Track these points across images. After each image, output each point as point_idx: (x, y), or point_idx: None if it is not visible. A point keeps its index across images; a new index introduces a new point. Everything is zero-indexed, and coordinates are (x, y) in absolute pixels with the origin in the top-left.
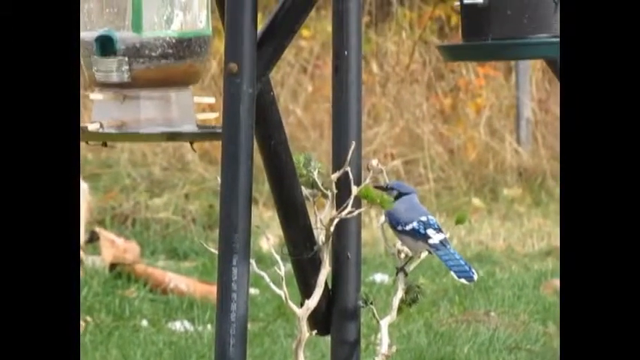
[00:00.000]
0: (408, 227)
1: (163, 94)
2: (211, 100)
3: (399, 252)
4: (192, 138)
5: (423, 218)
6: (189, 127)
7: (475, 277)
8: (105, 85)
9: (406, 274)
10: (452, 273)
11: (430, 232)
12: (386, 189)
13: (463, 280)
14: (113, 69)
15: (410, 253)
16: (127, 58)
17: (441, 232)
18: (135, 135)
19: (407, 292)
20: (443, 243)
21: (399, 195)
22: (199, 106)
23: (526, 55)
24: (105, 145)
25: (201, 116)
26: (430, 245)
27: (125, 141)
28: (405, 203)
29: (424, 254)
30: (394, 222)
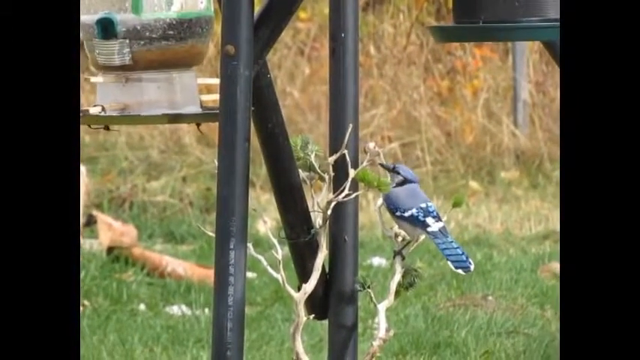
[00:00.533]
0: (407, 214)
1: (165, 75)
2: (216, 81)
3: (397, 235)
4: (193, 119)
5: (423, 205)
6: (193, 109)
7: (472, 267)
8: (107, 68)
9: (403, 258)
10: (449, 263)
11: (429, 220)
12: (392, 170)
13: (460, 271)
14: (114, 52)
15: (407, 237)
16: (128, 41)
17: (440, 220)
18: (137, 117)
19: (404, 275)
20: (442, 232)
21: (404, 182)
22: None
23: (517, 37)
24: (107, 128)
25: (206, 97)
26: (429, 233)
27: (127, 124)
28: (406, 189)
29: (422, 237)
30: (393, 207)
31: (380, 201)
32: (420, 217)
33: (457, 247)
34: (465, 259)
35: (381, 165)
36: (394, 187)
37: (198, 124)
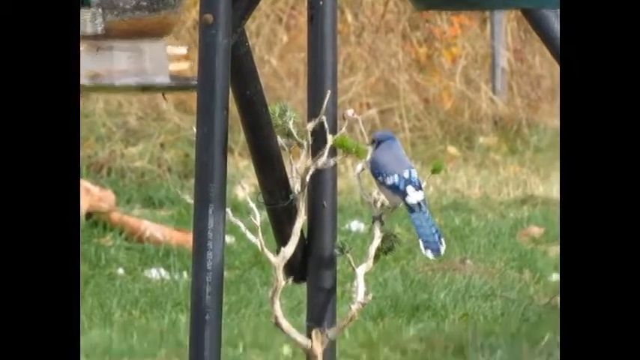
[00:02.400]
0: (389, 181)
1: (136, 45)
2: (183, 50)
3: (375, 201)
4: (165, 90)
5: (405, 174)
6: (162, 79)
7: (442, 250)
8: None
9: (382, 223)
10: (420, 242)
11: (409, 189)
12: (372, 143)
13: (429, 253)
14: (87, 20)
15: (387, 203)
16: (100, 10)
17: (421, 189)
18: (108, 87)
19: (383, 240)
20: (420, 204)
21: (378, 143)
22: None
23: (496, 5)
24: (82, 95)
25: (174, 66)
26: (406, 204)
27: (98, 92)
28: (389, 152)
29: (401, 205)
30: (376, 172)
31: (359, 166)
32: (400, 187)
33: (432, 226)
34: (437, 239)
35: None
36: (377, 149)
37: (163, 93)
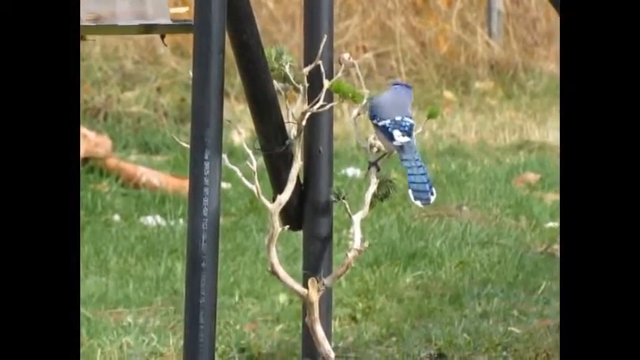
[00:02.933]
0: (381, 123)
1: None
2: None
3: (372, 146)
4: (167, 30)
5: (398, 118)
6: (163, 21)
7: (432, 199)
8: None
9: (378, 169)
10: (409, 191)
11: (396, 133)
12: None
13: (418, 203)
14: None
15: (383, 149)
16: None
17: (409, 135)
18: (112, 27)
19: (379, 186)
20: (402, 146)
21: (391, 86)
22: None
23: None
24: (84, 38)
25: (172, 10)
26: (394, 147)
27: (102, 34)
28: (393, 97)
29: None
30: (372, 114)
31: (355, 112)
32: (389, 129)
33: (423, 174)
34: (427, 188)
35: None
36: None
37: (162, 36)
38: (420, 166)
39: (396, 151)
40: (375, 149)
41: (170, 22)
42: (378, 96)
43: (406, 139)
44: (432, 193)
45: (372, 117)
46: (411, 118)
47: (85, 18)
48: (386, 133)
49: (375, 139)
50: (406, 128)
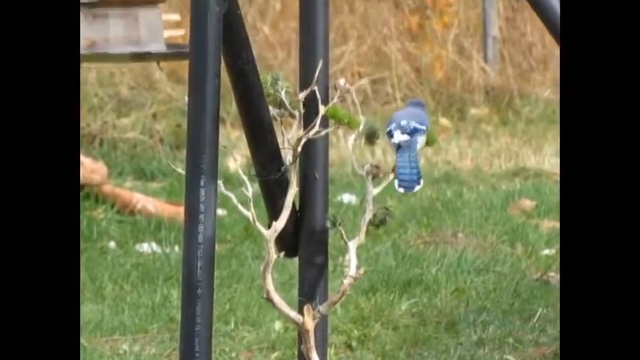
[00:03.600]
0: (387, 129)
1: (132, 12)
2: (177, 17)
3: (368, 173)
4: (161, 58)
5: (403, 122)
6: (158, 46)
7: (416, 188)
8: None
9: (375, 177)
10: (395, 181)
11: (396, 133)
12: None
13: (401, 190)
14: None
15: (380, 175)
16: None
17: (409, 135)
18: (105, 55)
19: (375, 213)
20: (399, 145)
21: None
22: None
23: None
24: None
25: (167, 33)
26: (392, 145)
27: (95, 62)
28: (407, 110)
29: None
30: (387, 125)
31: (351, 139)
32: (392, 131)
33: (414, 168)
34: (414, 178)
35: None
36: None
37: (157, 62)
38: (412, 160)
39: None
40: (370, 177)
41: (164, 49)
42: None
43: (405, 137)
44: (418, 183)
45: (387, 124)
46: (420, 124)
47: (81, 44)
48: (389, 135)
49: (371, 166)
50: (408, 130)
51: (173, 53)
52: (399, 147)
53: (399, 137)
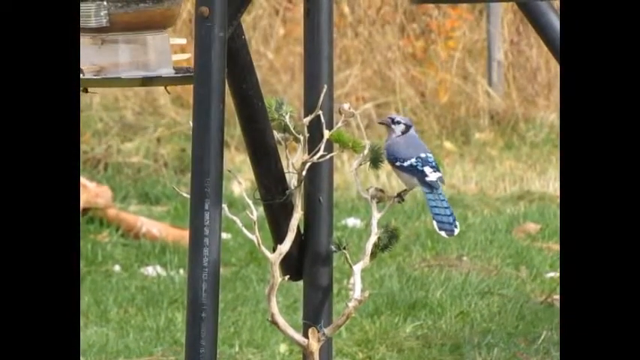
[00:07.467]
0: (407, 163)
1: (141, 37)
2: (183, 41)
3: (373, 197)
4: (170, 82)
5: (422, 155)
6: (166, 71)
7: (456, 231)
8: (83, 30)
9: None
10: (434, 222)
11: (427, 169)
12: (393, 123)
13: (442, 233)
14: (91, 14)
15: (384, 198)
16: (105, 3)
17: (438, 171)
18: (114, 80)
19: (379, 237)
20: (439, 181)
21: (407, 128)
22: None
23: None
24: (85, 90)
25: (173, 57)
26: (425, 183)
27: (104, 86)
28: (407, 138)
29: (417, 188)
30: (393, 158)
31: (355, 163)
32: (418, 167)
33: (447, 208)
34: (451, 221)
35: (381, 122)
36: (398, 136)
37: (165, 86)
38: (443, 200)
39: (421, 187)
40: (375, 200)
41: (172, 72)
42: (387, 140)
43: (438, 174)
44: (455, 226)
45: (394, 160)
46: (429, 152)
47: (88, 70)
48: (415, 172)
49: (375, 189)
50: (433, 164)
51: (181, 77)
52: (433, 182)
53: (434, 175)
